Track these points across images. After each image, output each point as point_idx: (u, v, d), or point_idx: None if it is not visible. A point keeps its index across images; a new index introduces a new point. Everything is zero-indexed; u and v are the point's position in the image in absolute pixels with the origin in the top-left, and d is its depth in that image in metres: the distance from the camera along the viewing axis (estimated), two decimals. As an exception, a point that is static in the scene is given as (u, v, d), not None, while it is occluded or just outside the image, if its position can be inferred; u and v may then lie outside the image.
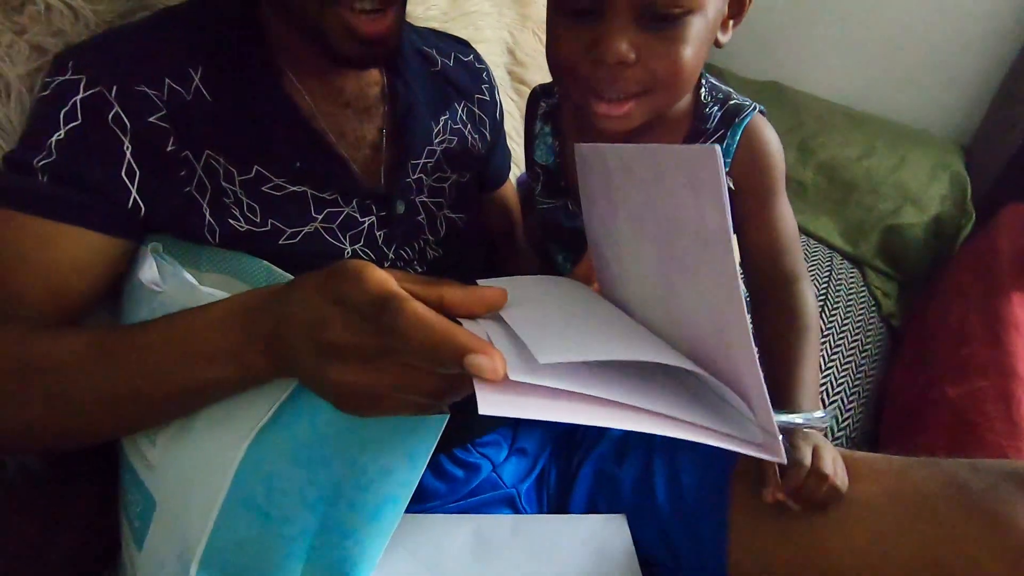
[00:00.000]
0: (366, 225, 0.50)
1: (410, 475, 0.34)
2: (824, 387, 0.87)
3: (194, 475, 0.34)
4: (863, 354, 0.98)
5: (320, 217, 0.48)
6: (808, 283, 0.52)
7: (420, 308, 0.27)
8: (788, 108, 1.28)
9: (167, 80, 0.43)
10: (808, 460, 0.43)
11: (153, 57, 0.43)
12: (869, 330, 1.04)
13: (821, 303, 1.00)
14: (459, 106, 0.60)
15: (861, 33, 1.29)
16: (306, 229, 0.47)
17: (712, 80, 0.53)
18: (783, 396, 0.47)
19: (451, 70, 0.61)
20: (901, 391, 0.90)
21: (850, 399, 0.89)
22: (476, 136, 0.62)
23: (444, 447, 0.51)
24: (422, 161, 0.55)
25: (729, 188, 0.48)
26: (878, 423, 0.90)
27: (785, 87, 1.34)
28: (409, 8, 0.49)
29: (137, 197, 0.43)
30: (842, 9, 1.29)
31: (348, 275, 0.29)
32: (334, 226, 0.49)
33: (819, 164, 1.21)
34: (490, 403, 0.24)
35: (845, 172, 1.20)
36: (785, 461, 0.29)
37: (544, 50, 0.47)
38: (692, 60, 0.43)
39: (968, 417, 0.73)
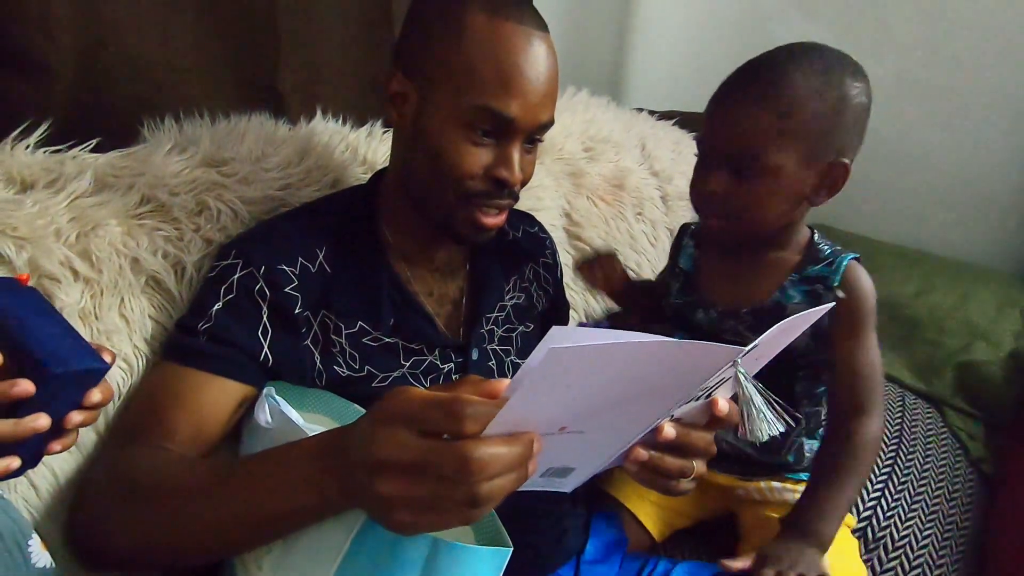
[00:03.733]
0: (445, 370, 0.59)
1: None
2: (907, 536, 0.82)
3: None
4: (951, 502, 0.91)
5: (408, 364, 0.58)
6: (876, 420, 0.61)
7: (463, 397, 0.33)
8: (838, 249, 1.33)
9: (299, 258, 0.56)
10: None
11: (290, 242, 0.57)
12: (956, 475, 0.98)
13: (895, 442, 0.96)
14: (527, 268, 0.72)
15: (910, 174, 1.36)
16: (395, 374, 0.57)
17: (822, 236, 0.68)
18: (800, 506, 0.61)
19: (521, 239, 0.73)
20: (1005, 549, 0.82)
21: (941, 551, 0.83)
22: (540, 292, 0.72)
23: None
24: (495, 315, 0.65)
25: (839, 298, 0.61)
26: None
27: (835, 230, 1.40)
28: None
29: (268, 351, 0.54)
30: (889, 151, 1.37)
31: (394, 394, 0.35)
32: (419, 372, 0.58)
33: (878, 302, 1.23)
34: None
35: (906, 309, 1.20)
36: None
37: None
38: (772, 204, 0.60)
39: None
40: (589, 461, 0.41)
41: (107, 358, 0.40)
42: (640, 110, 1.30)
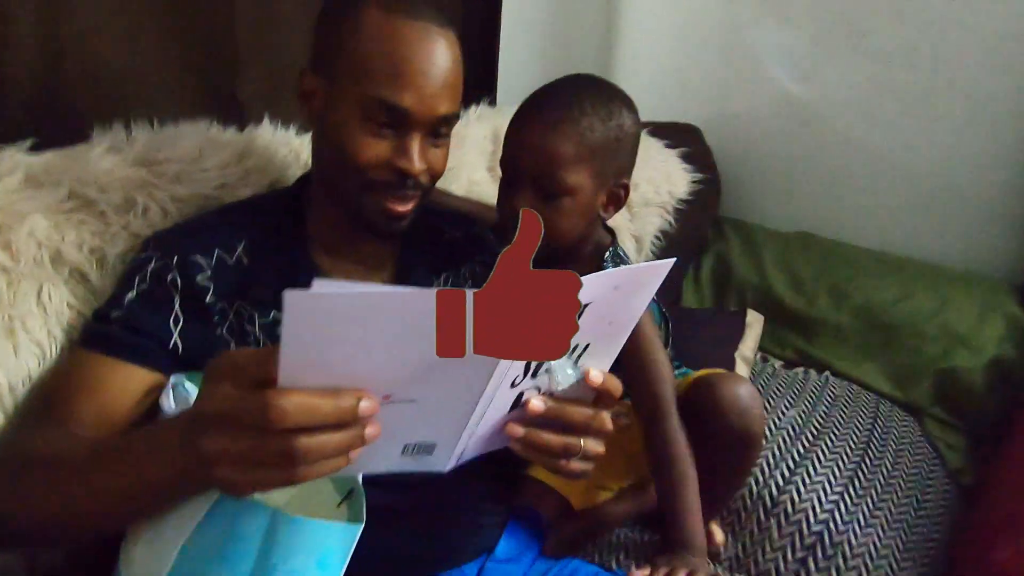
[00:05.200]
0: None
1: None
2: (865, 543, 0.78)
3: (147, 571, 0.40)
4: (919, 511, 0.87)
5: None
6: (673, 418, 0.67)
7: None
8: (816, 255, 1.31)
9: (216, 249, 0.58)
10: None
11: (209, 234, 0.59)
12: (929, 485, 0.93)
13: (862, 448, 0.92)
14: (464, 268, 0.72)
15: (889, 179, 1.33)
16: None
17: (620, 251, 0.73)
18: (663, 524, 0.67)
19: (460, 239, 0.74)
20: (964, 559, 0.78)
21: (904, 560, 0.79)
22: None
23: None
24: None
25: None
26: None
27: (815, 236, 1.37)
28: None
29: (178, 340, 0.55)
30: (867, 156, 1.35)
31: (224, 352, 0.35)
32: None
33: (855, 308, 1.20)
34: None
35: (884, 316, 1.17)
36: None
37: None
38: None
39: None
40: (446, 434, 0.41)
41: None
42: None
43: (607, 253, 0.71)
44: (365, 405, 0.33)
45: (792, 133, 1.42)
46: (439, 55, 0.55)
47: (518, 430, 0.42)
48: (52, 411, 0.52)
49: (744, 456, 0.70)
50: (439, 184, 0.94)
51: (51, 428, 0.50)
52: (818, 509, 0.81)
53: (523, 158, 0.65)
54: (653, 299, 0.64)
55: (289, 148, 0.79)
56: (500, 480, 0.69)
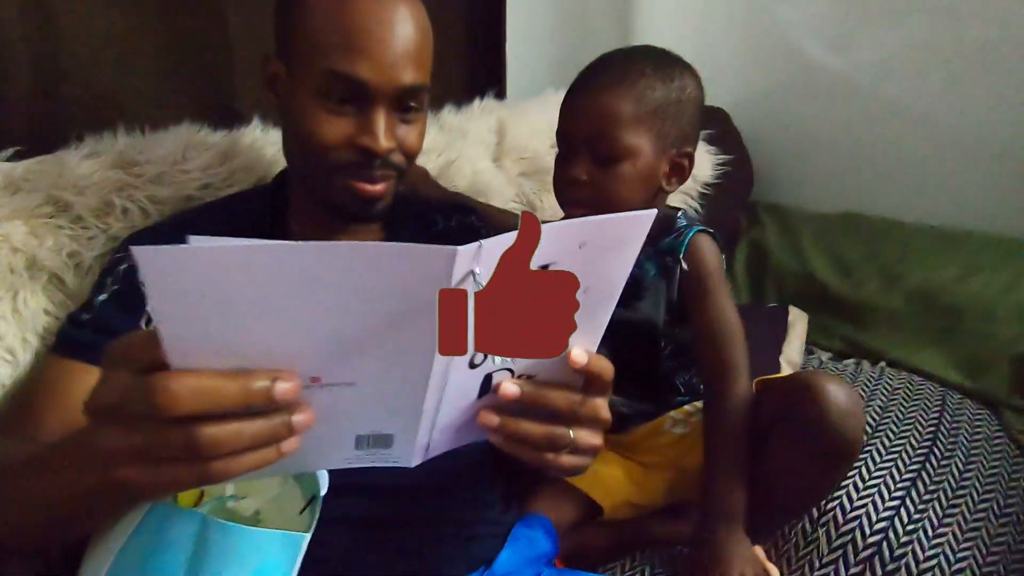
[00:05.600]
0: None
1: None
2: (935, 557, 0.67)
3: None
4: (1002, 518, 0.75)
5: None
6: (742, 380, 0.63)
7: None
8: (863, 235, 1.19)
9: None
10: None
11: (184, 232, 0.57)
12: (1012, 489, 0.81)
13: (926, 446, 0.81)
14: None
15: (942, 148, 1.21)
16: None
17: (691, 213, 0.72)
18: (705, 488, 0.62)
19: (451, 229, 0.70)
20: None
21: (982, 578, 0.67)
22: None
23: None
24: None
25: (683, 269, 0.64)
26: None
27: (861, 216, 1.26)
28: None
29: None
30: (916, 125, 1.23)
31: (121, 337, 0.31)
32: None
33: (910, 291, 1.07)
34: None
35: (945, 297, 1.04)
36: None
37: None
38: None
39: None
40: (401, 423, 0.36)
41: None
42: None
43: (679, 214, 0.67)
44: (283, 387, 0.29)
45: (829, 108, 1.32)
46: (398, 21, 0.51)
47: (492, 418, 0.36)
48: (20, 419, 0.50)
49: (834, 469, 0.62)
50: (439, 179, 0.92)
51: (16, 436, 0.48)
52: (874, 517, 0.70)
53: (578, 122, 0.62)
54: (719, 241, 0.64)
55: (277, 146, 0.76)
56: (503, 484, 0.63)
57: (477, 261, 0.30)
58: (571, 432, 0.37)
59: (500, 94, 1.18)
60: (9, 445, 0.46)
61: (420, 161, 0.84)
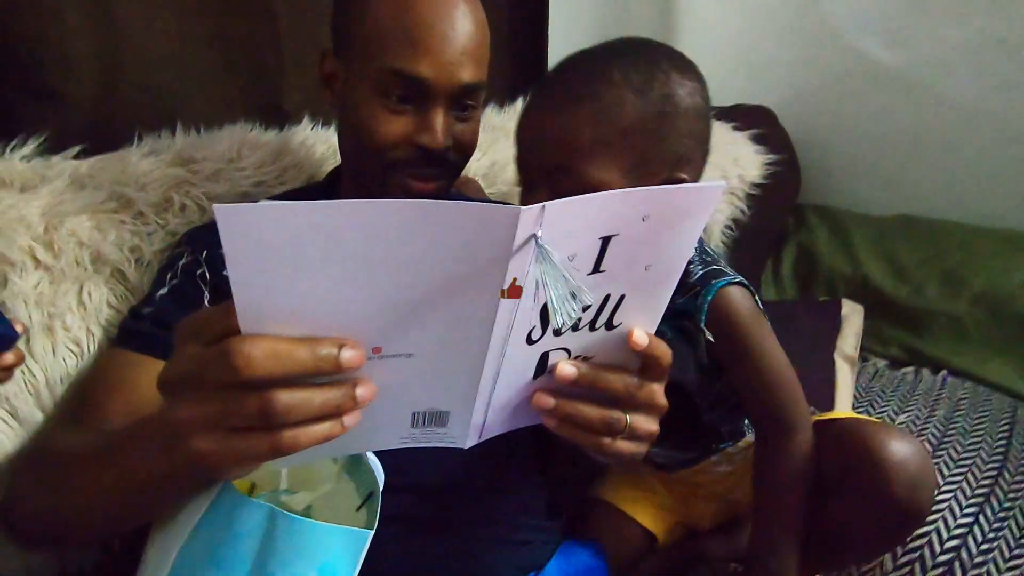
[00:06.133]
0: None
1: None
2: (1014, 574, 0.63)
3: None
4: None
5: None
6: (801, 432, 0.53)
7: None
8: (921, 238, 1.14)
9: None
10: None
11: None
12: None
13: (998, 459, 0.76)
14: None
15: (1007, 147, 1.14)
16: None
17: (707, 247, 0.58)
18: (753, 543, 0.55)
19: None
20: None
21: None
22: None
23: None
24: None
25: (708, 340, 0.53)
26: None
27: (917, 218, 1.20)
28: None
29: None
30: (978, 124, 1.17)
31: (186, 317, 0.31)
32: None
33: (975, 296, 1.02)
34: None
35: (1015, 302, 0.99)
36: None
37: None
38: None
39: None
40: (457, 399, 0.35)
41: (18, 328, 0.42)
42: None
43: (690, 272, 0.54)
44: (349, 354, 0.28)
45: (884, 106, 1.27)
46: (458, 19, 0.51)
47: (547, 400, 0.35)
48: (85, 409, 0.51)
49: (898, 534, 0.55)
50: (483, 180, 0.91)
51: (83, 425, 0.49)
52: (944, 535, 0.66)
53: (532, 152, 0.50)
54: (749, 287, 0.53)
55: (327, 144, 0.77)
56: (554, 490, 0.62)
57: (539, 224, 0.29)
58: (628, 417, 0.37)
59: (542, 94, 1.17)
60: (75, 434, 0.47)
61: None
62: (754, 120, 1.24)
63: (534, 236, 0.29)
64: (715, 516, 0.67)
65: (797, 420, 0.52)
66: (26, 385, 0.52)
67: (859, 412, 0.86)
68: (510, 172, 0.92)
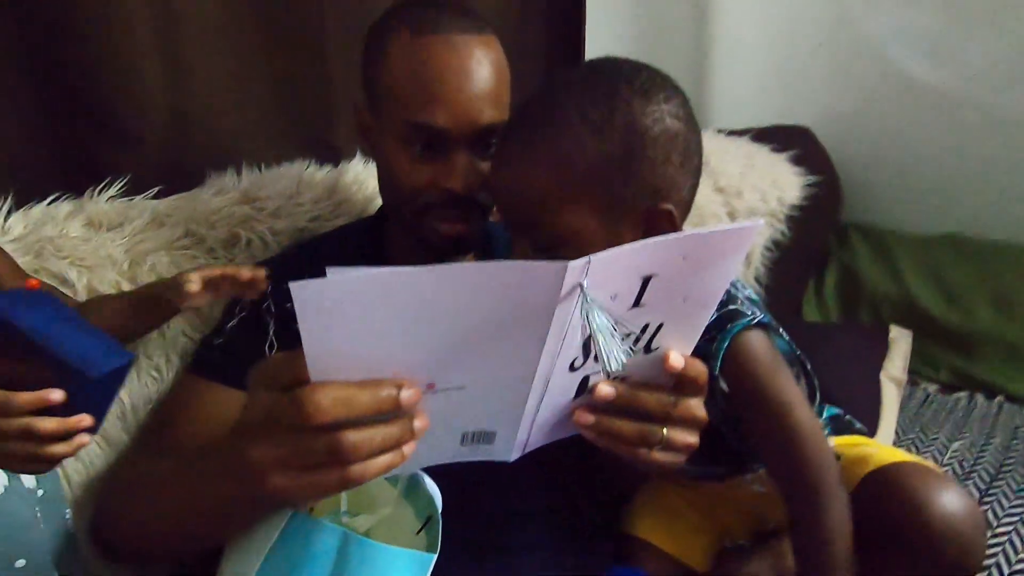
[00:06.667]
0: None
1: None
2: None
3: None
4: None
5: None
6: (834, 500, 0.48)
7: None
8: (971, 259, 1.11)
9: (305, 278, 0.60)
10: None
11: (299, 263, 0.62)
12: None
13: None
14: None
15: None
16: None
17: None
18: None
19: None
20: None
21: None
22: None
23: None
24: None
25: (723, 390, 0.50)
26: None
27: (967, 238, 1.17)
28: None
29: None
30: (1022, 148, 1.15)
31: (260, 362, 0.35)
32: None
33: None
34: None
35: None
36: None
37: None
38: None
39: None
40: (504, 421, 0.38)
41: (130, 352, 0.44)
42: (719, 131, 1.22)
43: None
44: (407, 394, 0.32)
45: (927, 122, 1.25)
46: (471, 66, 0.53)
47: (588, 417, 0.39)
48: (161, 434, 0.56)
49: None
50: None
51: (158, 448, 0.54)
52: (1006, 569, 0.64)
53: (501, 206, 0.48)
54: (780, 333, 0.51)
55: (376, 181, 0.81)
56: (595, 516, 0.63)
57: (585, 274, 0.32)
58: (664, 430, 0.40)
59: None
60: (153, 457, 0.52)
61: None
62: (792, 140, 1.23)
63: (580, 285, 0.32)
64: (749, 527, 0.65)
65: (825, 482, 0.48)
66: (115, 409, 0.57)
67: (909, 440, 0.84)
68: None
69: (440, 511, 0.43)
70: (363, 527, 0.49)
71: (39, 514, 0.47)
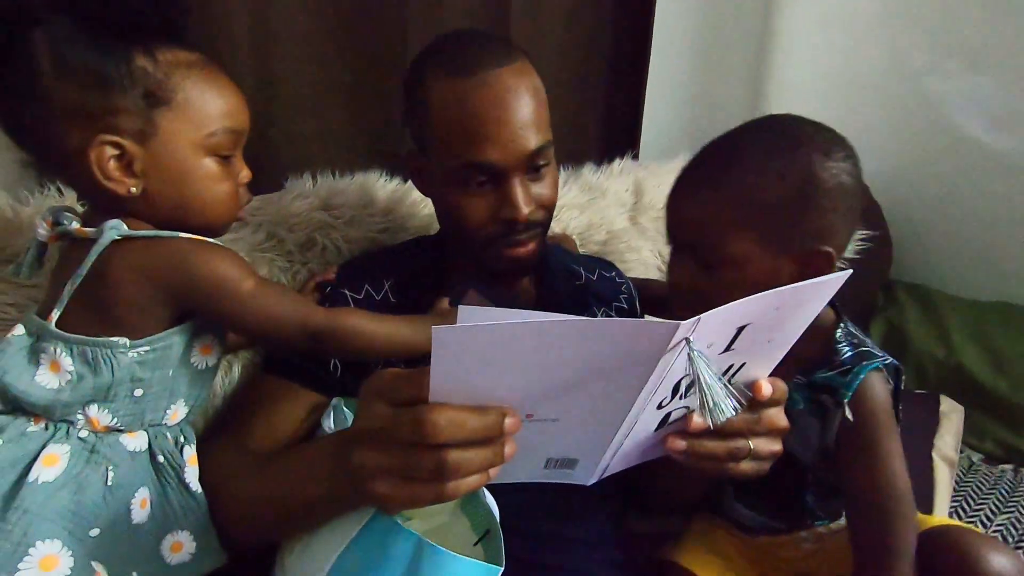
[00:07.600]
0: None
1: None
2: None
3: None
4: None
5: None
6: (903, 563, 0.51)
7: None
8: (1021, 330, 1.09)
9: (366, 286, 0.63)
10: None
11: (362, 272, 0.65)
12: None
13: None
14: (598, 311, 0.71)
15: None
16: None
17: (851, 328, 0.58)
18: None
19: (593, 283, 0.73)
20: None
21: None
22: None
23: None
24: None
25: (847, 419, 0.53)
26: None
27: (1017, 306, 1.15)
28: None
29: (337, 363, 0.60)
30: None
31: (375, 373, 0.37)
32: None
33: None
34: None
35: None
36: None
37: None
38: None
39: None
40: (589, 451, 0.41)
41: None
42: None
43: (838, 332, 0.55)
44: (510, 422, 0.34)
45: (986, 187, 1.24)
46: (509, 99, 0.55)
47: (680, 443, 0.41)
48: (234, 427, 0.58)
49: None
50: (580, 236, 0.96)
51: (232, 443, 0.56)
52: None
53: (675, 225, 0.56)
54: (899, 366, 0.54)
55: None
56: (628, 548, 0.64)
57: (693, 330, 0.34)
58: (750, 443, 0.42)
59: (635, 155, 1.22)
60: (229, 449, 0.54)
61: (563, 219, 0.90)
62: (846, 192, 1.23)
63: (686, 339, 0.34)
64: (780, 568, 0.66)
65: (904, 554, 0.51)
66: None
67: (953, 507, 0.83)
68: (604, 232, 0.96)
69: (498, 523, 0.45)
70: (417, 531, 0.50)
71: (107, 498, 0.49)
